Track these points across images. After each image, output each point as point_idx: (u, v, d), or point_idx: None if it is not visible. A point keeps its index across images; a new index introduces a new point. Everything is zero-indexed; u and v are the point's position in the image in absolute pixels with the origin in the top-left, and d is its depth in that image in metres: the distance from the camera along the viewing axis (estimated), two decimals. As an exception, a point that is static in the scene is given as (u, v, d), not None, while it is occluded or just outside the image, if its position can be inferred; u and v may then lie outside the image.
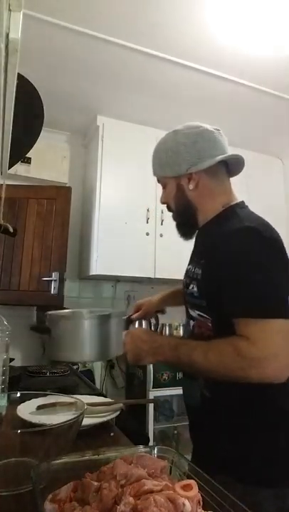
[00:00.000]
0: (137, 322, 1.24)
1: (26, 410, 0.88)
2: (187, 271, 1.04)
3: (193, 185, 0.98)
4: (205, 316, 0.92)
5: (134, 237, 2.57)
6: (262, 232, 0.84)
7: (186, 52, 2.05)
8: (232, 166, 1.02)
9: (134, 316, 1.26)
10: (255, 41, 1.95)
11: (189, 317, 1.01)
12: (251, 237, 0.84)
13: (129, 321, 1.22)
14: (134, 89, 2.40)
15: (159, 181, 1.09)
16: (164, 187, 1.06)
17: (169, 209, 1.08)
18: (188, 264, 1.06)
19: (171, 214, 1.10)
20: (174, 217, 1.08)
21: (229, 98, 2.43)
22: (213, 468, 0.59)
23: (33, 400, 0.92)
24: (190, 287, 0.96)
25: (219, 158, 0.96)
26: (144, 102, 2.54)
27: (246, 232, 0.85)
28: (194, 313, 0.97)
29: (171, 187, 1.03)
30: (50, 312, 1.09)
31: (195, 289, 0.93)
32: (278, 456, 0.86)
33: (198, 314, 0.95)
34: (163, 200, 1.09)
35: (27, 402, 0.90)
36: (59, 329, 1.05)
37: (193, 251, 1.09)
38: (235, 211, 0.95)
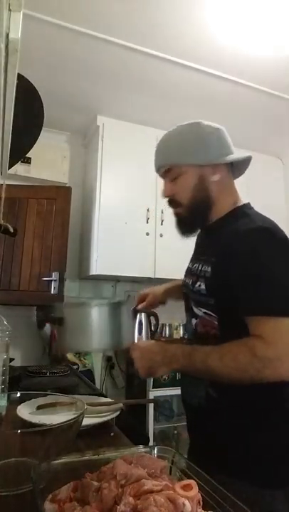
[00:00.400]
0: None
1: (26, 410, 0.88)
2: (191, 269, 1.03)
3: (218, 176, 0.97)
4: (211, 314, 0.92)
5: (134, 237, 2.57)
6: (275, 233, 0.86)
7: (186, 52, 2.05)
8: (235, 168, 1.03)
9: (139, 306, 1.21)
10: (255, 41, 1.95)
11: (192, 315, 1.00)
12: (265, 237, 0.85)
13: (135, 312, 1.18)
14: (134, 89, 2.40)
15: (165, 172, 1.00)
16: (175, 178, 0.98)
17: (173, 203, 1.01)
18: (192, 262, 1.04)
19: (173, 210, 1.03)
20: (184, 212, 1.00)
21: (229, 98, 2.43)
22: (213, 468, 0.59)
23: (33, 400, 0.92)
24: (196, 285, 0.95)
25: (243, 156, 0.98)
26: (144, 102, 2.54)
27: (260, 232, 0.86)
28: (199, 311, 0.95)
29: (189, 177, 0.96)
30: (65, 301, 1.14)
31: (203, 286, 0.92)
32: (286, 455, 0.86)
33: (204, 312, 0.94)
34: (169, 193, 1.01)
35: (27, 402, 0.91)
36: (75, 317, 1.04)
37: (197, 249, 1.07)
38: (245, 211, 0.97)
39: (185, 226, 1.02)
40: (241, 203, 1.00)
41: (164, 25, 1.86)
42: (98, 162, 2.62)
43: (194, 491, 0.49)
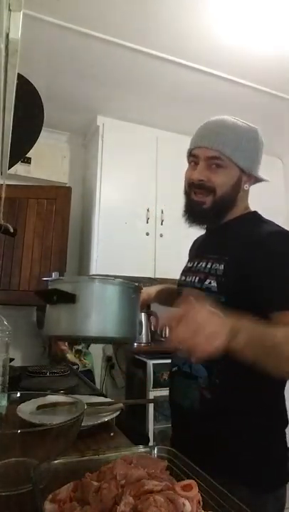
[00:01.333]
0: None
1: (26, 410, 0.88)
2: (193, 267, 1.02)
3: (248, 186, 1.00)
4: None
5: (134, 237, 2.57)
6: None
7: (187, 53, 2.05)
8: (255, 182, 1.06)
9: None
10: (256, 42, 1.95)
11: None
12: (287, 239, 0.89)
13: None
14: (134, 89, 2.40)
15: (210, 157, 0.95)
16: (218, 167, 0.95)
17: (202, 189, 0.96)
18: (194, 260, 1.04)
19: (194, 195, 0.98)
20: (209, 202, 0.96)
21: (229, 98, 2.43)
22: (208, 471, 0.59)
23: (33, 400, 0.91)
24: (206, 282, 0.94)
25: (267, 179, 1.02)
26: (144, 102, 2.54)
27: (283, 235, 0.90)
28: None
29: (231, 173, 0.96)
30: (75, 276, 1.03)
31: (214, 284, 0.92)
32: (279, 458, 0.86)
33: None
34: (203, 177, 0.96)
35: (27, 402, 0.90)
36: (90, 293, 0.88)
37: (201, 247, 1.07)
38: (259, 217, 1.01)
39: (205, 216, 0.99)
40: (250, 210, 1.04)
41: (164, 25, 1.86)
42: (98, 162, 2.62)
43: (194, 491, 0.49)
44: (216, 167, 0.95)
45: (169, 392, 1.05)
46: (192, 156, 0.99)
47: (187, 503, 0.46)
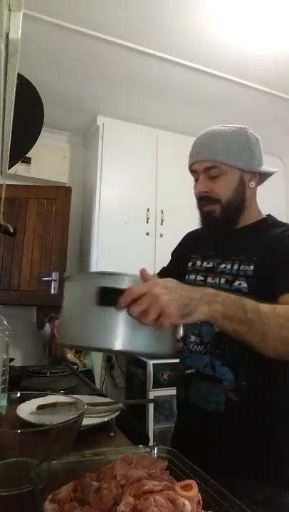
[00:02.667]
0: None
1: (26, 410, 0.88)
2: (218, 268, 0.99)
3: (253, 183, 1.01)
4: None
5: (134, 237, 2.57)
6: None
7: (187, 53, 2.05)
8: (261, 179, 1.06)
9: None
10: (256, 41, 1.95)
11: None
12: None
13: None
14: (134, 89, 2.40)
15: (207, 168, 0.98)
16: (216, 176, 0.98)
17: (208, 200, 0.99)
18: (217, 261, 1.00)
19: (203, 207, 1.00)
20: (219, 210, 0.98)
21: (229, 98, 2.43)
22: (220, 471, 0.59)
23: (33, 400, 0.91)
24: (236, 284, 0.92)
25: (274, 170, 1.03)
26: (144, 102, 2.54)
27: None
28: None
29: (231, 177, 0.98)
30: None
31: (244, 285, 0.91)
32: None
33: None
34: (205, 189, 0.98)
35: (27, 402, 0.90)
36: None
37: (221, 248, 1.02)
38: (276, 220, 1.03)
39: (218, 224, 1.00)
40: (263, 215, 1.06)
41: (164, 25, 1.86)
42: (98, 162, 2.62)
43: (194, 491, 0.48)
44: (214, 177, 0.98)
45: (182, 395, 1.00)
46: (192, 172, 1.03)
47: (187, 503, 0.46)
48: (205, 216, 1.01)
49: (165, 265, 1.27)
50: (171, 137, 2.80)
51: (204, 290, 0.74)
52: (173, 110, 2.59)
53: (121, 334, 0.67)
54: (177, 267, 1.14)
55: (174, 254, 1.24)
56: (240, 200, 0.99)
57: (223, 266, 0.98)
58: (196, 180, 1.02)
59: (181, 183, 2.78)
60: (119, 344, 0.67)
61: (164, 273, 1.17)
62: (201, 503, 0.48)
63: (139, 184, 2.66)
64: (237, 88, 2.32)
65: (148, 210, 2.64)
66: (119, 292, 0.67)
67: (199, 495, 0.49)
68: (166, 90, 2.40)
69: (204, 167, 0.98)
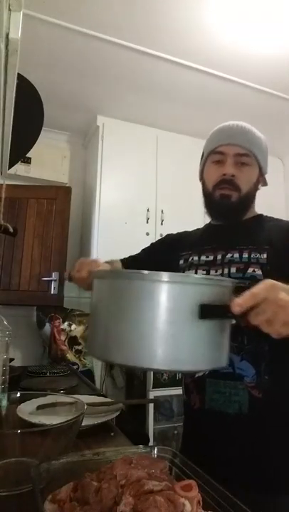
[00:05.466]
0: None
1: (26, 410, 0.88)
2: (225, 259, 0.96)
3: (260, 185, 1.05)
4: None
5: (134, 237, 2.57)
6: None
7: (187, 53, 2.05)
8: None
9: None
10: (256, 41, 1.94)
11: None
12: None
13: None
14: (134, 89, 2.40)
15: (240, 154, 0.97)
16: (244, 164, 0.97)
17: (230, 185, 0.97)
18: (221, 253, 0.97)
19: (223, 191, 0.97)
20: (236, 198, 0.97)
21: (229, 98, 2.43)
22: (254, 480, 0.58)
23: (33, 400, 0.91)
24: (249, 271, 0.90)
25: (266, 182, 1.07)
26: (144, 102, 2.54)
27: None
28: None
29: (254, 173, 1.00)
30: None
31: (258, 272, 0.89)
32: None
33: None
34: (233, 172, 0.96)
35: (27, 402, 0.90)
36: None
37: (224, 240, 1.00)
38: (268, 216, 1.07)
39: (231, 211, 1.00)
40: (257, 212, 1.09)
41: (164, 25, 1.86)
42: (98, 162, 2.62)
43: (194, 491, 0.48)
44: (242, 165, 0.97)
45: (194, 403, 0.92)
46: (217, 154, 0.99)
47: (187, 503, 0.46)
48: (221, 199, 0.98)
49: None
50: (171, 137, 2.80)
51: None
52: (173, 110, 2.59)
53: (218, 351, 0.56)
54: (154, 263, 1.09)
55: (150, 250, 1.24)
56: (252, 196, 1.01)
57: (229, 256, 0.95)
58: (216, 162, 1.00)
59: (181, 183, 2.80)
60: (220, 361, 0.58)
61: (132, 262, 1.16)
62: (201, 503, 0.48)
63: (139, 184, 2.65)
64: (238, 88, 2.32)
65: (148, 210, 2.64)
66: (225, 305, 0.55)
67: (199, 495, 0.49)
68: (167, 90, 2.40)
69: (237, 152, 0.96)
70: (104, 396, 1.35)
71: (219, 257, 0.98)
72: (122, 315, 0.55)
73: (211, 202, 1.01)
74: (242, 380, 0.84)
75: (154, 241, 1.33)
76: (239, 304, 0.56)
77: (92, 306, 0.63)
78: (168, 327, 0.52)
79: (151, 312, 0.53)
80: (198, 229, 1.17)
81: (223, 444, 0.85)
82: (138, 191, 2.65)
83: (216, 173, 0.99)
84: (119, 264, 1.16)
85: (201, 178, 1.06)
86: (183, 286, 0.55)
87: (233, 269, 0.93)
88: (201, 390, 0.90)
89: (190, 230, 1.20)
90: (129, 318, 0.55)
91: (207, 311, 0.52)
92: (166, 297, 0.53)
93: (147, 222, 2.62)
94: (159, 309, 0.53)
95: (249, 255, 0.92)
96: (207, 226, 1.13)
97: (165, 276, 0.55)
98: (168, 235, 1.24)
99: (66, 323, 2.47)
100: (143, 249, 1.25)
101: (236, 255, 0.94)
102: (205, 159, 1.04)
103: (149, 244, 1.26)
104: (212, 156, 1.00)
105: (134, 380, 2.59)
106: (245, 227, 1.02)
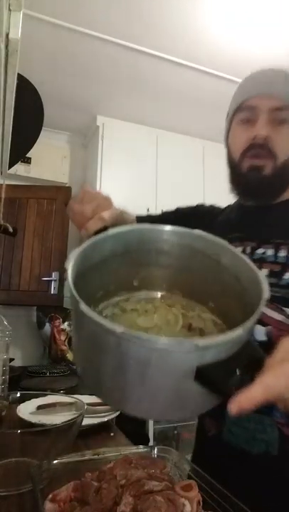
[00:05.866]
0: None
1: (26, 410, 0.88)
2: (255, 255, 0.73)
3: None
4: None
5: (134, 237, 2.57)
6: None
7: (187, 53, 2.05)
8: None
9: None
10: (255, 41, 1.94)
11: (260, 322, 0.67)
12: None
13: None
14: (134, 89, 2.40)
15: (276, 109, 0.73)
16: (282, 122, 0.73)
17: (263, 151, 0.73)
18: (250, 246, 0.75)
19: (253, 160, 0.74)
20: (270, 168, 0.73)
21: (229, 98, 2.42)
22: None
23: (33, 400, 0.92)
24: (285, 277, 0.68)
25: None
26: (144, 102, 2.54)
27: None
28: (280, 314, 0.68)
29: None
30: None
31: None
32: None
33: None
34: (267, 134, 0.72)
35: (27, 402, 0.90)
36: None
37: (257, 229, 0.77)
38: None
39: (264, 186, 0.75)
40: None
41: (164, 25, 1.86)
42: (98, 162, 2.62)
43: (194, 492, 0.48)
44: (280, 123, 0.72)
45: (210, 428, 0.74)
46: (246, 110, 0.76)
47: (187, 503, 0.46)
48: (250, 171, 0.74)
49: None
50: (171, 137, 2.80)
51: None
52: (173, 110, 2.59)
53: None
54: None
55: (177, 214, 0.96)
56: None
57: (261, 252, 0.73)
58: (244, 122, 0.76)
59: (181, 182, 2.80)
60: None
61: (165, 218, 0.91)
62: (201, 503, 0.48)
63: (139, 184, 2.65)
64: (237, 88, 2.32)
65: (148, 210, 2.64)
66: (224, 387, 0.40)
67: (199, 495, 0.49)
68: (166, 90, 2.40)
69: (272, 106, 0.72)
70: (104, 396, 1.35)
71: (248, 250, 0.75)
72: (110, 371, 0.44)
73: (238, 175, 0.77)
74: (270, 414, 0.66)
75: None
76: (240, 405, 0.37)
77: (76, 343, 0.52)
78: (158, 384, 0.42)
79: (141, 375, 0.41)
80: (228, 206, 0.91)
81: (242, 490, 0.57)
82: (138, 191, 2.65)
83: (244, 135, 0.75)
84: (130, 219, 0.88)
85: (226, 145, 0.83)
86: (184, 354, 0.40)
87: (265, 271, 0.71)
88: (218, 415, 0.71)
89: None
90: (117, 377, 0.43)
91: (204, 379, 0.40)
92: (161, 364, 0.40)
93: (147, 222, 2.62)
94: (150, 371, 0.41)
95: (287, 253, 0.70)
96: (237, 205, 0.87)
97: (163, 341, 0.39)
98: (199, 205, 0.96)
99: (66, 323, 2.47)
100: (165, 212, 0.99)
101: (270, 252, 0.72)
102: (230, 119, 0.81)
103: (173, 208, 0.98)
104: (239, 113, 0.77)
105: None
106: (285, 213, 0.76)
